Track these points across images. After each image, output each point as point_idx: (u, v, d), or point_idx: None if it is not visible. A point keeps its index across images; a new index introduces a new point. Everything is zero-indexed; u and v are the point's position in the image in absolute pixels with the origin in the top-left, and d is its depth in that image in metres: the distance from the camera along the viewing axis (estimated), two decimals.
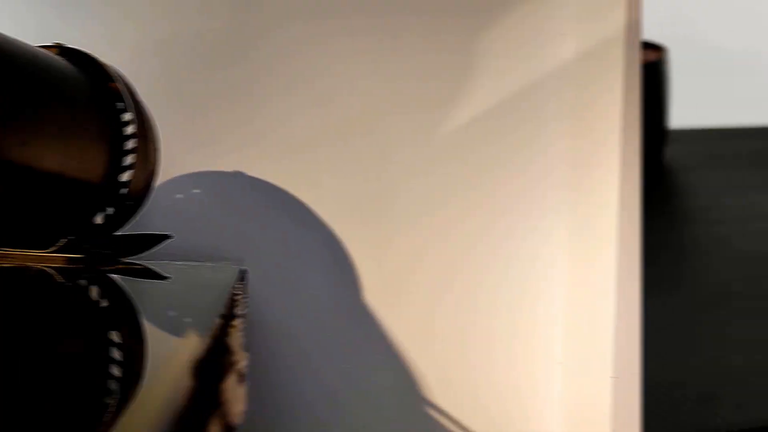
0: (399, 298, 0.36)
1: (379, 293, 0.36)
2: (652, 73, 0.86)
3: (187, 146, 0.36)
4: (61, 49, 0.28)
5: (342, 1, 0.36)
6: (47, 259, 0.28)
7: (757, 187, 0.80)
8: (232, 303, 0.27)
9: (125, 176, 0.29)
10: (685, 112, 0.97)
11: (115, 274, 0.29)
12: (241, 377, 0.25)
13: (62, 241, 0.28)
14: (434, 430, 0.36)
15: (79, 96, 0.26)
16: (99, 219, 0.29)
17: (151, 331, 0.24)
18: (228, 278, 0.31)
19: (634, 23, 0.35)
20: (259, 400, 0.36)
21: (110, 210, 0.29)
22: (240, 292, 0.30)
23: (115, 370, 0.21)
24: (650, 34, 0.90)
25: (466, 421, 0.36)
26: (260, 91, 0.36)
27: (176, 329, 0.24)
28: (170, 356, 0.21)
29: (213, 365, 0.22)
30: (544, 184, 0.36)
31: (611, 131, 0.35)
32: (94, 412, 0.18)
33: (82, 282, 0.29)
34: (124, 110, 0.29)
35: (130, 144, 0.29)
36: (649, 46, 0.90)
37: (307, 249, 0.36)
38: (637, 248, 0.36)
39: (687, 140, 0.94)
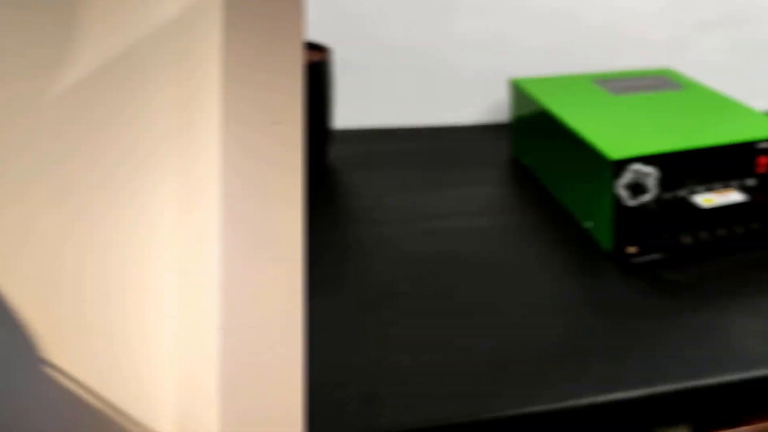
0: (13, 263, 0.37)
1: None
2: (316, 73, 0.85)
3: None
4: None
5: None
6: None
7: (419, 188, 0.84)
8: None
9: None
10: (348, 112, 1.00)
11: None
12: None
13: None
14: (51, 389, 0.38)
15: None
16: None
17: None
18: None
19: None
20: None
21: None
22: None
23: None
24: (315, 35, 0.90)
25: (83, 377, 0.38)
26: None
27: None
28: None
29: None
30: (151, 140, 0.38)
31: (211, 90, 0.36)
32: None
33: None
34: None
35: None
36: (313, 47, 0.90)
37: None
38: (299, 249, 0.37)
39: (351, 140, 0.97)
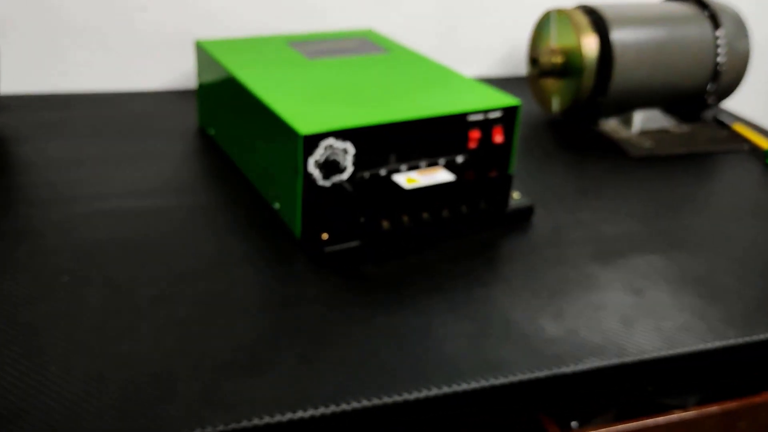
0: None
1: None
2: None
3: None
4: None
5: None
6: None
7: (95, 162, 0.72)
8: None
9: None
10: (14, 76, 0.86)
11: None
12: None
13: None
14: None
15: None
16: None
17: None
18: None
19: None
20: None
21: None
22: None
23: None
24: None
25: None
26: None
27: None
28: None
29: None
30: None
31: None
32: None
33: None
34: None
35: None
36: None
37: None
38: None
39: (19, 108, 0.83)
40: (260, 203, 0.65)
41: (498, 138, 0.64)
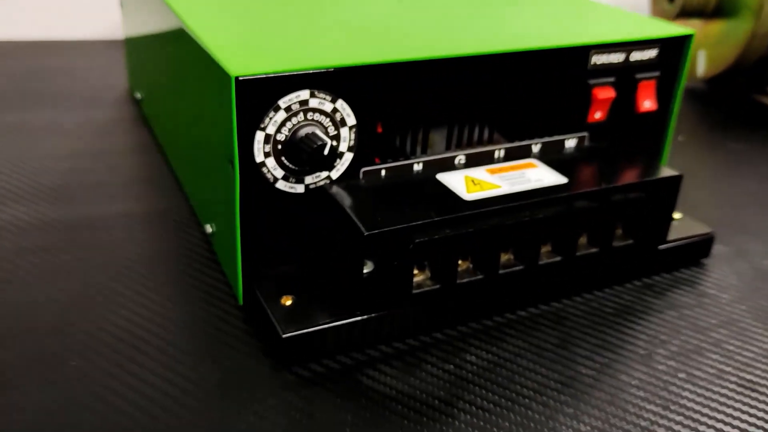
0: None
1: None
2: None
3: None
4: None
5: None
6: None
7: None
8: None
9: None
10: None
11: None
12: None
13: None
14: None
15: None
16: None
17: None
18: None
19: None
20: None
21: None
22: None
23: None
24: None
25: None
26: None
27: None
28: None
29: None
30: None
31: None
32: None
33: None
34: None
35: None
36: None
37: None
38: None
39: None
40: (188, 223, 0.35)
41: (647, 102, 0.33)
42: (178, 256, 0.32)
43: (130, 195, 0.37)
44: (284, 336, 0.25)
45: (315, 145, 0.25)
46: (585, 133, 0.33)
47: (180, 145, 0.37)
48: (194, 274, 0.31)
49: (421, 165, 0.29)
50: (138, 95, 0.48)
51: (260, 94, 0.25)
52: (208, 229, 0.31)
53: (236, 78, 0.24)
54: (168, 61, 0.37)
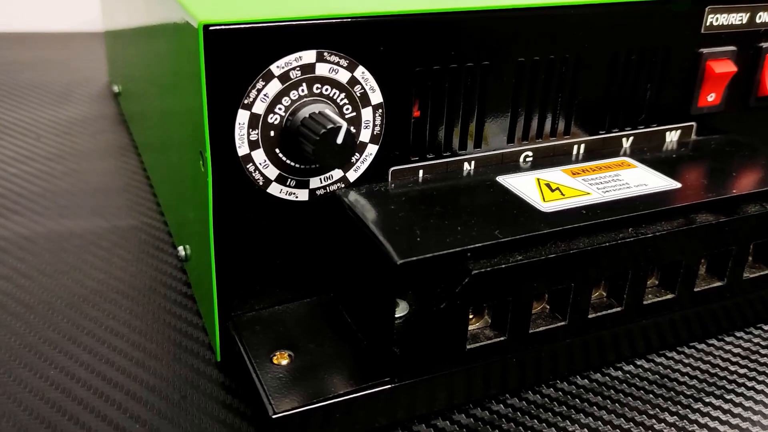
0: None
1: None
2: None
3: None
4: None
5: None
6: None
7: None
8: None
9: None
10: None
11: None
12: None
13: None
14: None
15: None
16: None
17: None
18: None
19: None
20: None
21: None
22: None
23: None
24: None
25: None
26: None
27: None
28: None
29: None
30: None
31: None
32: None
33: None
34: None
35: None
36: None
37: None
38: None
39: None
40: (160, 245, 0.26)
41: None
42: (143, 288, 0.24)
43: (97, 207, 0.29)
44: (275, 417, 0.17)
45: (324, 131, 0.17)
46: (692, 123, 0.24)
47: (154, 145, 0.29)
48: (163, 316, 0.22)
49: (473, 163, 0.21)
50: (116, 88, 0.40)
51: (242, 53, 0.17)
52: (181, 252, 0.23)
53: (205, 27, 0.16)
54: (143, 48, 0.29)
